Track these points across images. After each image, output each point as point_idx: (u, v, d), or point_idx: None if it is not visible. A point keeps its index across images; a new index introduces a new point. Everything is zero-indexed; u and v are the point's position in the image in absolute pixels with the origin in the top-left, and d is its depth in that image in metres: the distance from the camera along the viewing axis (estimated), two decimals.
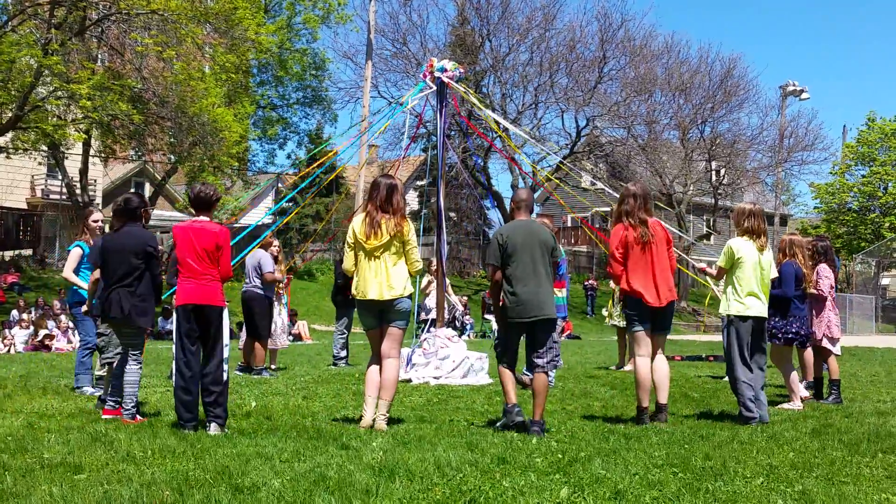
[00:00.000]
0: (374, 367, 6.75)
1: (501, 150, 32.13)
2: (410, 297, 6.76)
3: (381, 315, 6.69)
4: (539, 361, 6.56)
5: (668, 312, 7.20)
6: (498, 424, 6.74)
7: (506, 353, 6.74)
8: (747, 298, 7.32)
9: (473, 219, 43.56)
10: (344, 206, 37.78)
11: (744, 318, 7.31)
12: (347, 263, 6.78)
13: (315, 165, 13.60)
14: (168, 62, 22.65)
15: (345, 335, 13.25)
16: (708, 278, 10.67)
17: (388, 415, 6.66)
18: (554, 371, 10.39)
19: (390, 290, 6.56)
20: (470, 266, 41.58)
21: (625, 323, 12.35)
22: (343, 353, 13.15)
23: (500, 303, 6.67)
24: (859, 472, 5.13)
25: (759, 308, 7.38)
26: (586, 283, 36.47)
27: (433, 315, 13.27)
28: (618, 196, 7.44)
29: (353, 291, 6.71)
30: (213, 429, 6.24)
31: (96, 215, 9.10)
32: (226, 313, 6.58)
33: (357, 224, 6.69)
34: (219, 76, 24.67)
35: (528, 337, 6.64)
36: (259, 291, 11.30)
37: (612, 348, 14.82)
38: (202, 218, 6.59)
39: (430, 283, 14.88)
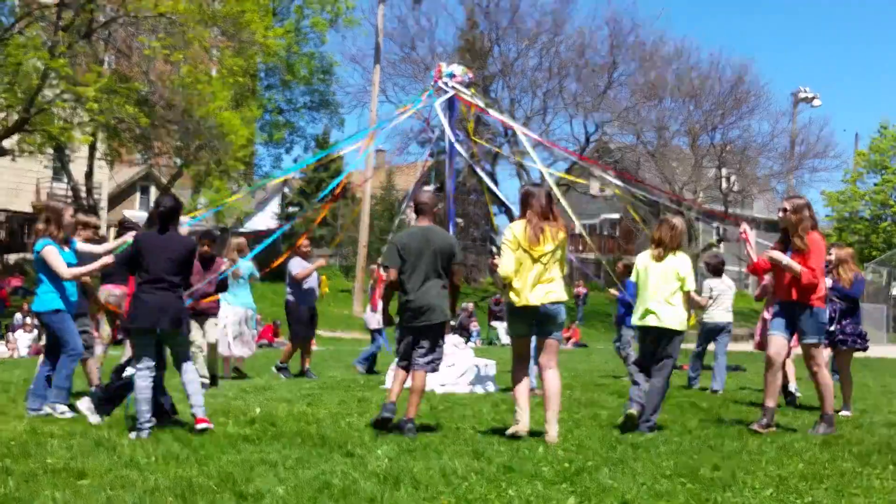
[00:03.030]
0: (523, 379, 6.75)
1: (509, 155, 32.05)
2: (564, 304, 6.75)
3: (537, 324, 6.65)
4: (420, 361, 6.82)
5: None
6: (373, 419, 6.89)
7: (402, 356, 6.95)
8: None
9: (480, 225, 43.50)
10: (349, 211, 37.76)
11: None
12: (507, 268, 6.57)
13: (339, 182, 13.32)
14: (175, 65, 22.68)
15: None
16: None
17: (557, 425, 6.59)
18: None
19: (551, 294, 6.57)
20: (476, 272, 41.49)
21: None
22: None
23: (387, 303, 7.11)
24: (870, 483, 5.07)
25: (655, 320, 7.19)
26: (576, 290, 34.99)
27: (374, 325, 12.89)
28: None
29: (513, 297, 6.59)
30: None
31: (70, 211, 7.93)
32: None
33: (519, 230, 6.59)
34: (226, 79, 24.69)
35: (414, 340, 6.83)
36: (289, 298, 11.77)
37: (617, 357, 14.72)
38: None
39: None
